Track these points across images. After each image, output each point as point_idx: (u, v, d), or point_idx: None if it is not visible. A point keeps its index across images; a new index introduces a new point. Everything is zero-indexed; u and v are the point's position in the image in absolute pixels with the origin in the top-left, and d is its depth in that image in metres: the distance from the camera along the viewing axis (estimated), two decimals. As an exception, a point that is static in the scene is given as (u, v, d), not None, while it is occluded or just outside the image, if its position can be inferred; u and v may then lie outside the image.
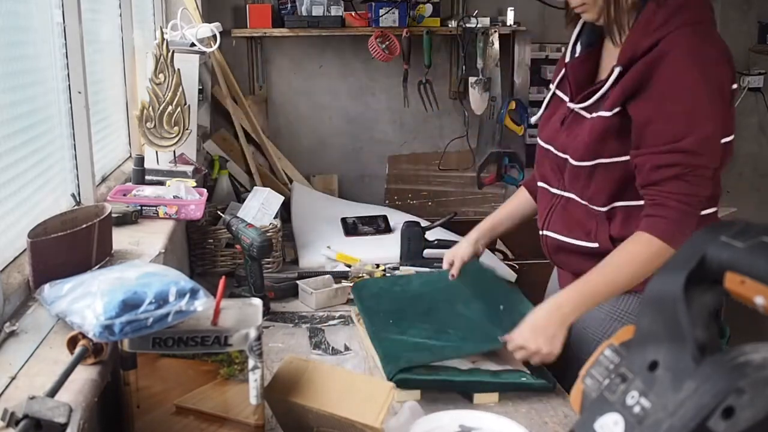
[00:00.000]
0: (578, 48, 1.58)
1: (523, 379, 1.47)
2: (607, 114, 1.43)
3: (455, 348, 1.53)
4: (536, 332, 1.42)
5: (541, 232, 1.65)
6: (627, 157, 1.44)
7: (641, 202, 1.45)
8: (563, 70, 1.60)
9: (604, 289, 1.43)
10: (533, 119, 1.69)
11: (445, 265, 1.82)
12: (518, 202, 1.82)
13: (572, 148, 1.51)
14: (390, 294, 1.81)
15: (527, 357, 1.45)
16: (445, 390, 1.46)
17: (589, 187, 1.50)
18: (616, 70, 1.42)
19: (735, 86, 1.45)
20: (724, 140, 1.42)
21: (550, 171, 1.61)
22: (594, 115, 1.47)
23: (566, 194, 1.58)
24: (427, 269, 2.27)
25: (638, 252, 1.39)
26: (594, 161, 1.47)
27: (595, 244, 1.52)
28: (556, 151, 1.57)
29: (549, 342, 1.41)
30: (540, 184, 1.66)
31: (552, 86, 1.64)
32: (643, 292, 0.61)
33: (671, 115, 1.37)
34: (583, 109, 1.51)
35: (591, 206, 1.52)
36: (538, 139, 1.66)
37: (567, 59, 1.59)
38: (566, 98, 1.58)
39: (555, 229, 1.59)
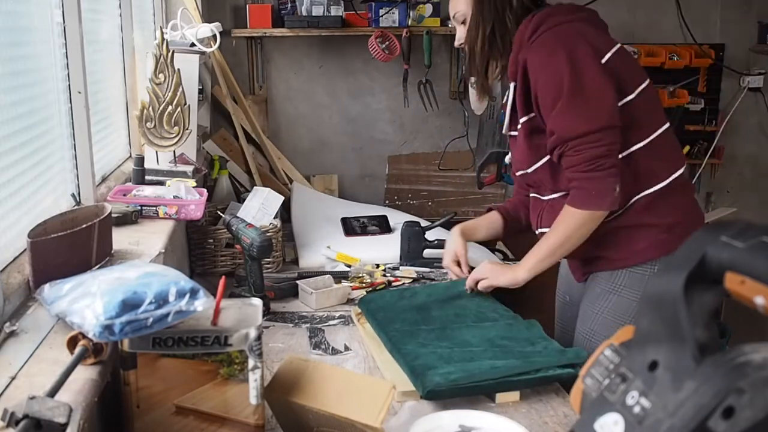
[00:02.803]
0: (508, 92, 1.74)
1: (551, 371, 1.46)
2: (524, 119, 1.67)
3: (487, 367, 1.48)
4: (495, 270, 1.77)
5: (537, 231, 1.81)
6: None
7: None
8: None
9: (551, 257, 1.70)
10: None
11: (451, 267, 1.93)
12: (493, 218, 1.97)
13: (519, 162, 1.77)
14: (399, 307, 1.77)
15: (490, 285, 1.78)
16: (475, 393, 1.44)
17: (554, 182, 1.71)
18: (512, 86, 1.67)
19: (615, 48, 1.62)
20: (621, 102, 1.61)
21: (535, 185, 1.81)
22: (518, 127, 1.71)
23: (553, 196, 1.74)
24: (426, 269, 2.27)
25: (568, 225, 1.65)
26: (536, 164, 1.71)
27: None
28: (523, 172, 1.79)
29: (511, 272, 1.74)
30: (532, 194, 1.84)
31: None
32: (643, 292, 0.62)
33: (546, 108, 1.60)
34: (511, 131, 1.77)
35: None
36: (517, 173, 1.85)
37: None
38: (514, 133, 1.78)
39: (546, 225, 1.74)
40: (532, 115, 1.66)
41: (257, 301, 1.20)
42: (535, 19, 1.63)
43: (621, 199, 1.62)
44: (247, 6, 3.06)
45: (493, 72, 1.75)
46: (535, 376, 1.46)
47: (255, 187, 2.49)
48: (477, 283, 1.80)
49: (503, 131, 1.81)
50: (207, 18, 2.77)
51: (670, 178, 1.67)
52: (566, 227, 1.64)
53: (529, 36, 1.62)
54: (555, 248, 1.67)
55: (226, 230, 2.05)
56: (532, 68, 1.59)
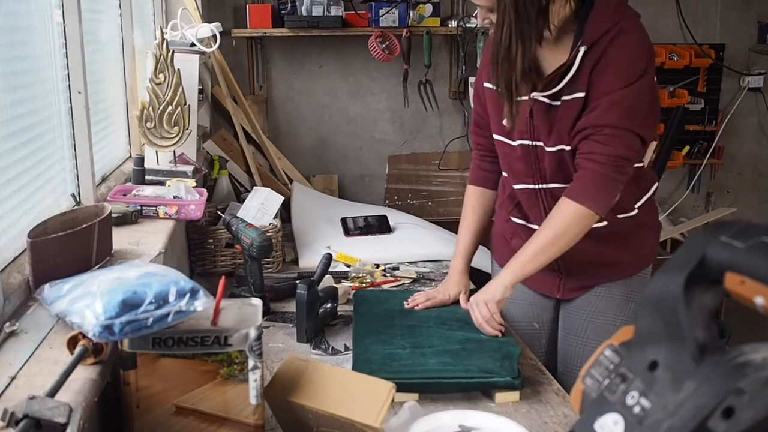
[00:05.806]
0: None
1: (494, 378, 1.43)
2: (583, 94, 1.51)
3: (420, 368, 1.46)
4: (489, 305, 1.57)
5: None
6: None
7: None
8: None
9: (541, 259, 1.55)
10: (507, 122, 1.61)
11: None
12: (476, 216, 1.80)
13: (550, 135, 1.57)
14: (385, 305, 1.78)
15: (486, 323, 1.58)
16: (412, 391, 1.41)
17: (573, 169, 1.57)
18: (581, 50, 1.48)
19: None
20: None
21: (523, 167, 1.65)
22: (566, 98, 1.53)
23: (547, 186, 1.63)
24: (427, 269, 2.27)
25: (563, 220, 1.52)
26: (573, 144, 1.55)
27: (603, 222, 1.59)
28: (529, 143, 1.61)
29: (492, 286, 1.59)
30: (518, 187, 1.69)
31: (498, 87, 1.57)
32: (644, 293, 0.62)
33: (608, 86, 1.48)
34: (547, 96, 1.55)
35: None
36: (504, 139, 1.66)
37: None
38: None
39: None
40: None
41: (257, 301, 1.20)
42: None
43: (627, 205, 1.63)
44: (247, 6, 3.06)
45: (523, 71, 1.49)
46: (469, 381, 1.43)
47: (255, 187, 2.49)
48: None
49: (544, 91, 1.53)
50: (207, 18, 2.77)
51: (655, 182, 1.74)
52: (561, 221, 1.51)
53: (616, 8, 1.50)
54: (546, 245, 1.53)
55: (226, 230, 2.05)
56: (625, 41, 1.48)
